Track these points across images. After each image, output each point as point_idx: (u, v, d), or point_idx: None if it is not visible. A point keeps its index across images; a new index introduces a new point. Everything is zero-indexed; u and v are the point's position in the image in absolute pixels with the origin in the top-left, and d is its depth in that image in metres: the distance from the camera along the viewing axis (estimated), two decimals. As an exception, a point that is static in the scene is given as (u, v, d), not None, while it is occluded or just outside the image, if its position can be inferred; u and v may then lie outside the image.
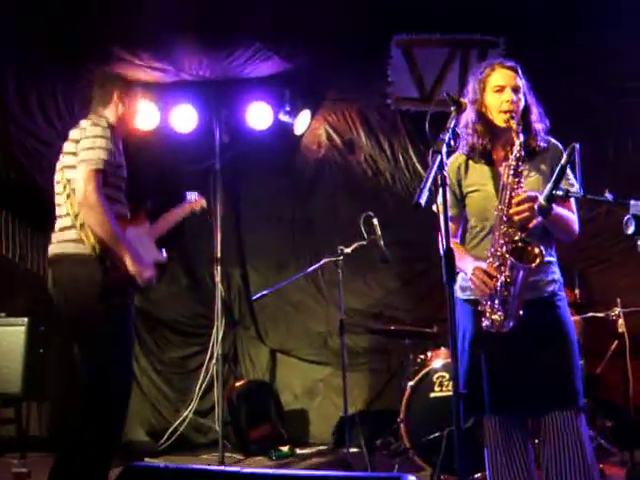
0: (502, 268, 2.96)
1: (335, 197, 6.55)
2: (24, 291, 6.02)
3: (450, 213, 3.25)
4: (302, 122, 6.43)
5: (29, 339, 5.39)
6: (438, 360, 5.02)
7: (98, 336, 3.62)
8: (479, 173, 3.22)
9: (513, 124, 3.07)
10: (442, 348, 5.28)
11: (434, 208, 3.27)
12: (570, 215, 3.14)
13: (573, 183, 3.07)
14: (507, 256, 2.95)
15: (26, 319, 5.42)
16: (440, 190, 2.68)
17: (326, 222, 6.49)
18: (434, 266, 6.05)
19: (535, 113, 3.22)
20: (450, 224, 3.29)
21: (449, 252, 2.62)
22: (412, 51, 6.19)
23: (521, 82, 3.20)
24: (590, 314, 5.03)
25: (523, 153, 3.03)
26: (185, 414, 6.22)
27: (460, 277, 3.23)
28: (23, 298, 6.01)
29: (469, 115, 3.21)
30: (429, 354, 5.29)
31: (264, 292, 5.19)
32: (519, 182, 3.01)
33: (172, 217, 4.46)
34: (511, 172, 3.02)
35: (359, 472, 4.76)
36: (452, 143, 2.85)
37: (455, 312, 2.62)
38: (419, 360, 5.38)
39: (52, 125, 5.60)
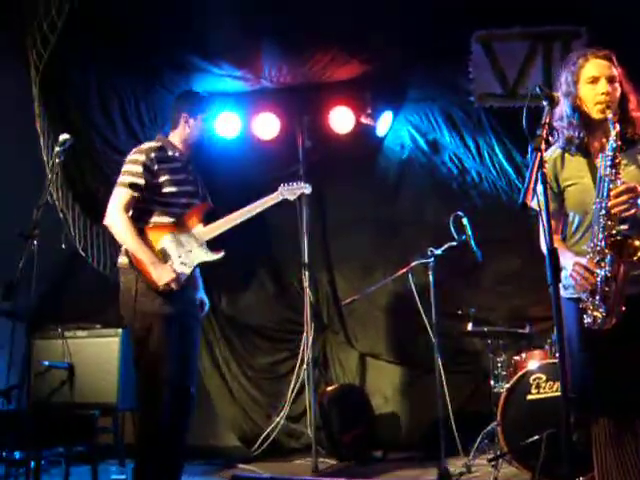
0: (602, 263, 2.86)
1: (421, 198, 6.50)
2: (116, 302, 6.15)
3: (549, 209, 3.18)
4: (384, 123, 6.40)
5: (122, 349, 5.50)
6: (533, 361, 4.91)
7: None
8: (576, 166, 3.13)
9: (609, 113, 2.98)
10: (537, 349, 5.17)
11: (533, 205, 3.23)
12: None
13: None
14: (607, 250, 2.86)
15: (120, 330, 5.54)
16: (540, 187, 2.60)
17: (412, 224, 6.43)
18: (526, 265, 5.98)
19: (633, 101, 3.12)
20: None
21: (553, 251, 2.54)
22: (492, 46, 6.09)
23: (616, 71, 3.10)
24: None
25: (620, 143, 2.92)
26: (277, 420, 6.24)
27: (563, 275, 3.14)
28: (115, 309, 6.14)
29: (564, 108, 3.13)
30: (523, 355, 5.17)
31: (355, 297, 5.20)
32: (617, 173, 2.92)
33: (254, 207, 4.60)
34: (608, 163, 2.92)
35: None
36: (550, 139, 2.77)
37: (561, 312, 2.54)
38: (513, 362, 5.27)
39: (135, 136, 5.71)
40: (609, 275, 2.85)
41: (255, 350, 6.65)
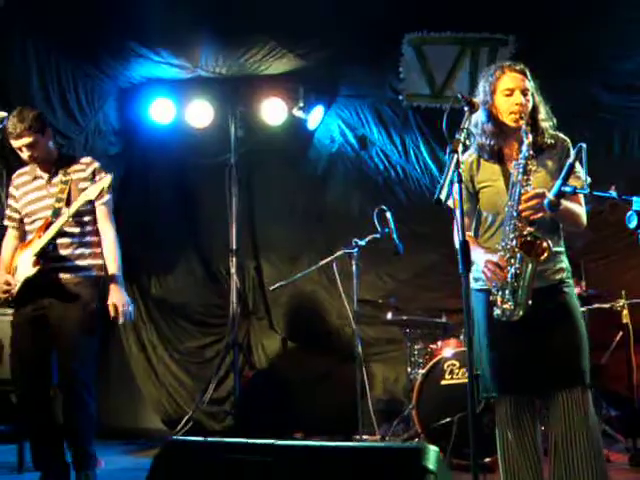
0: (512, 260, 3.12)
1: (347, 191, 6.71)
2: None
3: (464, 207, 3.42)
4: (315, 117, 6.58)
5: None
6: (448, 349, 5.18)
7: None
8: (490, 170, 3.37)
9: (522, 123, 3.23)
10: (452, 339, 5.45)
11: (449, 203, 3.47)
12: (578, 208, 3.29)
13: (580, 177, 3.20)
14: (517, 250, 3.11)
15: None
16: (456, 186, 2.82)
17: (338, 215, 6.64)
18: (444, 259, 6.25)
19: (542, 112, 3.36)
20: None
21: (464, 244, 2.78)
22: (423, 49, 6.31)
23: (530, 84, 3.35)
24: (596, 305, 5.20)
25: (531, 152, 3.18)
26: (201, 402, 6.37)
27: (473, 268, 3.38)
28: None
29: (479, 116, 3.36)
30: (439, 343, 5.45)
31: (282, 282, 5.36)
32: (527, 179, 3.17)
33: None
34: (520, 170, 3.17)
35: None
36: (467, 142, 3.00)
37: (470, 300, 2.78)
38: (429, 349, 5.55)
39: (74, 119, 5.76)
40: (518, 272, 3.11)
41: (182, 333, 6.78)
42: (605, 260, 6.04)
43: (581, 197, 3.32)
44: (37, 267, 4.07)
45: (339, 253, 5.23)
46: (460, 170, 2.87)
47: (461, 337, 5.42)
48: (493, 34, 6.15)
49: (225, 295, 6.43)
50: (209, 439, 2.37)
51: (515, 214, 3.14)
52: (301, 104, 6.47)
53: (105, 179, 4.01)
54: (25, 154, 4.11)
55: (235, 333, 6.24)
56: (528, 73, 3.37)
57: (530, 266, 3.08)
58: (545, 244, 3.10)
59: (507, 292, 3.13)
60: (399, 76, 6.35)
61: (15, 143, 4.08)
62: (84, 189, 4.04)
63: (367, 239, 5.17)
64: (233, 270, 6.29)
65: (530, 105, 3.32)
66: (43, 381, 4.12)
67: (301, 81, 6.49)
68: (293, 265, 6.58)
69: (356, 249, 5.17)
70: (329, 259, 5.27)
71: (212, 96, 6.52)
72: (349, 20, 5.66)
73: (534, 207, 3.08)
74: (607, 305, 5.09)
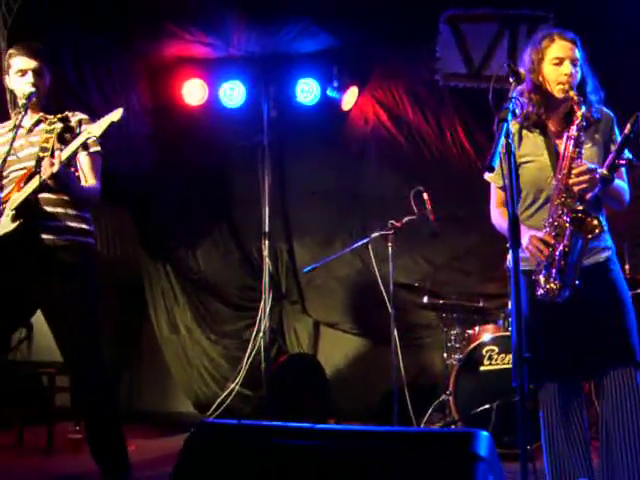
0: (560, 237, 2.97)
1: (381, 173, 6.56)
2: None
3: (501, 183, 3.29)
4: (349, 98, 6.47)
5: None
6: (487, 334, 5.04)
7: None
8: (533, 143, 3.21)
9: (573, 94, 3.07)
10: (490, 324, 5.31)
11: (486, 177, 3.34)
12: (623, 185, 3.15)
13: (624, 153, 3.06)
14: (567, 225, 2.96)
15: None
16: (506, 158, 2.69)
17: (372, 197, 6.51)
18: (481, 242, 6.11)
19: (590, 85, 3.21)
20: (501, 193, 3.36)
21: (515, 219, 2.64)
22: (460, 27, 6.17)
23: (579, 54, 3.19)
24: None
25: (585, 124, 3.03)
26: (232, 386, 6.30)
27: None
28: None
29: (525, 84, 3.21)
30: (476, 329, 5.31)
31: (316, 264, 5.26)
32: (580, 152, 3.02)
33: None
34: (572, 142, 3.02)
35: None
36: (517, 112, 2.87)
37: (519, 277, 2.64)
38: (466, 335, 5.41)
39: (107, 99, 5.68)
40: (567, 250, 2.96)
41: (218, 316, 6.71)
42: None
43: (624, 174, 3.17)
44: (17, 222, 3.57)
45: (375, 235, 5.12)
46: (510, 141, 2.70)
47: (499, 322, 5.28)
48: (533, 11, 5.98)
49: (259, 279, 6.34)
50: (243, 422, 2.26)
51: (564, 188, 2.99)
52: (335, 84, 6.36)
53: (115, 113, 3.53)
54: (28, 81, 3.72)
55: (267, 317, 6.14)
56: (579, 42, 3.21)
57: (580, 243, 2.93)
58: (596, 221, 2.95)
59: (554, 271, 2.99)
60: (435, 55, 6.21)
61: (23, 63, 3.72)
62: (66, 140, 3.64)
63: (404, 220, 5.05)
64: (266, 253, 6.20)
65: (579, 76, 3.17)
66: None
67: (335, 61, 6.38)
68: (326, 248, 6.47)
69: (392, 230, 5.06)
70: (364, 241, 5.16)
71: (244, 76, 6.42)
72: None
73: (586, 182, 2.94)
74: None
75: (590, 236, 2.95)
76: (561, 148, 3.08)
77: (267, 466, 2.15)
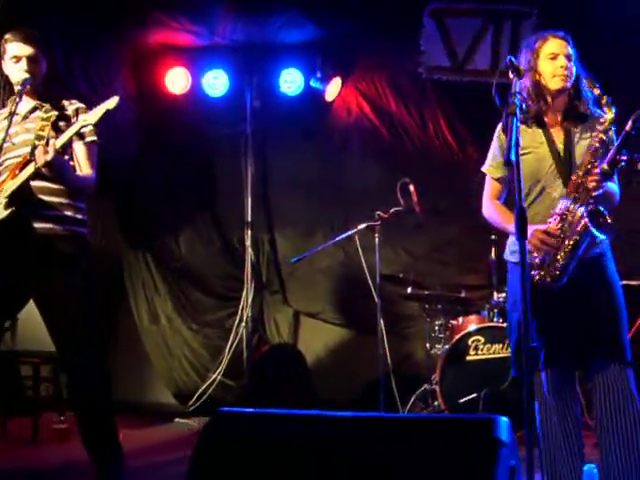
0: (567, 230, 3.04)
1: (364, 164, 6.58)
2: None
3: (496, 175, 3.39)
4: (333, 89, 6.48)
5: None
6: (472, 325, 5.11)
7: None
8: (531, 136, 3.29)
9: (568, 84, 3.19)
10: (473, 314, 5.38)
11: (483, 169, 3.42)
12: (614, 186, 3.25)
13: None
14: (581, 219, 3.03)
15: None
16: (513, 150, 2.73)
17: (355, 188, 6.51)
18: (462, 234, 6.18)
19: (584, 81, 3.30)
20: (496, 185, 3.43)
21: (522, 211, 2.69)
22: (445, 21, 6.20)
23: (572, 51, 3.29)
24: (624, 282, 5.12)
25: (607, 125, 3.11)
26: (214, 376, 6.29)
27: (510, 240, 3.33)
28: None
29: (523, 82, 3.29)
30: (460, 319, 5.38)
31: (304, 254, 5.29)
32: (603, 153, 3.10)
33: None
34: (597, 142, 3.10)
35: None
36: (524, 107, 2.94)
37: (526, 266, 2.69)
38: (450, 325, 5.48)
39: (94, 86, 5.62)
40: (575, 242, 3.04)
41: (200, 305, 6.67)
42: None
43: (615, 176, 3.26)
44: (9, 210, 3.51)
45: (362, 226, 5.15)
46: (518, 135, 2.76)
47: (483, 313, 5.35)
48: (518, 6, 6.04)
49: (242, 268, 6.33)
50: (258, 410, 2.27)
51: (581, 184, 3.07)
52: (319, 75, 6.36)
53: (110, 101, 3.49)
54: (22, 68, 3.66)
55: (249, 307, 6.15)
56: (570, 41, 3.32)
57: (589, 237, 3.02)
58: (609, 219, 3.04)
59: (558, 262, 3.06)
60: (419, 48, 6.24)
61: (18, 49, 3.66)
62: (60, 129, 3.61)
63: (391, 211, 5.09)
64: (248, 243, 6.20)
65: (574, 71, 3.26)
66: None
67: (319, 52, 6.38)
68: (308, 239, 6.48)
69: (379, 222, 5.09)
70: (352, 232, 5.19)
71: (228, 65, 6.39)
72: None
73: (598, 182, 3.02)
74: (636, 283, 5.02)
75: (600, 232, 3.04)
76: (557, 139, 3.19)
77: (286, 455, 2.16)
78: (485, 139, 6.32)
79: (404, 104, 6.46)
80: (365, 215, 5.37)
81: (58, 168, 3.56)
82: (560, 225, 3.06)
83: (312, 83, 6.40)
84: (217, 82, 6.41)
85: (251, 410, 2.34)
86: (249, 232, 6.24)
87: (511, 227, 3.18)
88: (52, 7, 5.11)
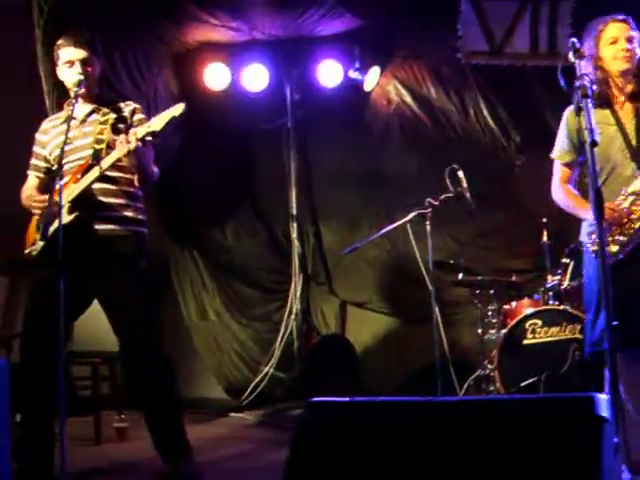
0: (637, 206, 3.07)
1: (405, 153, 6.55)
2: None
3: (566, 160, 3.40)
4: (372, 78, 6.47)
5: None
6: (529, 308, 5.09)
7: None
8: (599, 117, 3.28)
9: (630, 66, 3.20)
10: (526, 298, 5.37)
11: (552, 156, 3.43)
12: None
13: None
14: None
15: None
16: (587, 132, 2.74)
17: (397, 177, 6.50)
18: (508, 220, 6.16)
19: None
20: (566, 170, 3.44)
21: (598, 192, 2.69)
22: (482, 4, 6.16)
23: (634, 33, 3.30)
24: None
25: None
26: (265, 369, 6.33)
27: (585, 225, 3.35)
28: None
29: (587, 67, 3.29)
30: (514, 304, 5.37)
31: (356, 245, 5.30)
32: None
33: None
34: None
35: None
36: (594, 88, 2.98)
37: (604, 246, 2.70)
38: (503, 310, 5.46)
39: (136, 84, 5.66)
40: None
41: (248, 299, 6.71)
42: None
43: None
44: (73, 215, 3.59)
45: (413, 214, 5.13)
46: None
47: (536, 296, 5.33)
48: (556, -13, 5.99)
49: (287, 261, 6.36)
50: (354, 399, 2.29)
51: None
52: (357, 65, 6.36)
53: (176, 107, 3.54)
54: (76, 70, 3.72)
55: (298, 299, 6.18)
56: (632, 22, 3.32)
57: None
58: None
59: (619, 236, 3.09)
60: (457, 33, 6.21)
61: (71, 54, 3.72)
62: (120, 131, 3.66)
63: (441, 198, 5.08)
64: (294, 235, 6.24)
65: (637, 53, 3.27)
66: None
67: (357, 42, 6.36)
68: (353, 229, 6.51)
69: (430, 209, 5.09)
70: (403, 220, 5.17)
71: (267, 60, 6.40)
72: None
73: None
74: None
75: None
76: (625, 119, 3.20)
77: (383, 443, 2.19)
78: (527, 122, 6.34)
79: (444, 91, 6.42)
80: (409, 204, 5.37)
81: (140, 156, 3.64)
82: (631, 201, 3.09)
83: (351, 74, 6.39)
84: (257, 77, 6.42)
85: (345, 399, 2.36)
86: (295, 225, 6.26)
87: (582, 211, 3.23)
88: (95, 8, 5.15)
